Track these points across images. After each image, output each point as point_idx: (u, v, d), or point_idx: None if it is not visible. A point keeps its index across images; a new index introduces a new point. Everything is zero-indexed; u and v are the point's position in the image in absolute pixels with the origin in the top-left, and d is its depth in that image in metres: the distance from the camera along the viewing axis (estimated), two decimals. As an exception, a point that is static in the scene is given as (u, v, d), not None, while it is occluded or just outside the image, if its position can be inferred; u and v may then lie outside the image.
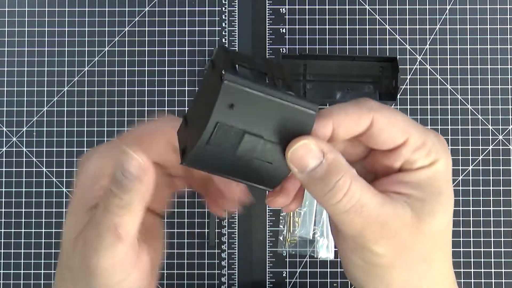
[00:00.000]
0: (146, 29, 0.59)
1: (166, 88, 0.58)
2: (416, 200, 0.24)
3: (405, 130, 0.25)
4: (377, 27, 0.59)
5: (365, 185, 0.24)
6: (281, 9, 0.59)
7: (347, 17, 0.59)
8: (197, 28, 0.59)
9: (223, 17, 0.59)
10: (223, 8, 0.59)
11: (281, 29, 0.59)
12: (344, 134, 0.25)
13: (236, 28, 0.59)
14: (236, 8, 0.59)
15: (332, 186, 0.23)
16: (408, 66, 0.58)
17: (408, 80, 0.58)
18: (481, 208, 0.57)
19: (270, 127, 0.24)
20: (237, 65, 0.24)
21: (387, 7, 0.59)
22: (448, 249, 0.27)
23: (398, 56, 0.57)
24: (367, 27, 0.59)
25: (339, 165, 0.23)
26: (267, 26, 0.59)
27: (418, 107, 0.58)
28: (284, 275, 0.57)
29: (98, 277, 0.24)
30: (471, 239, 0.57)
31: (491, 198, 0.57)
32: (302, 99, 0.25)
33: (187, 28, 0.59)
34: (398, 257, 0.24)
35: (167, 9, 0.59)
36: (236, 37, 0.59)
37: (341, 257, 0.27)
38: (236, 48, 0.59)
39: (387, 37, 0.59)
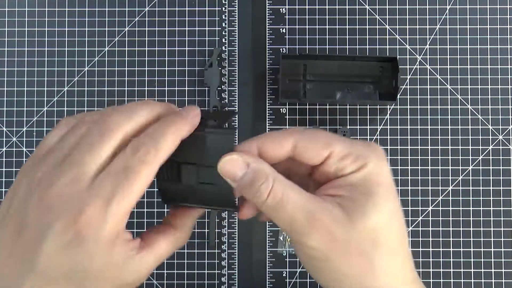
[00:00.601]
0: (146, 29, 0.59)
1: (166, 88, 0.58)
2: (347, 199, 0.27)
3: (327, 145, 0.29)
4: (377, 27, 0.59)
5: (289, 185, 0.28)
6: (281, 9, 0.59)
7: (347, 17, 0.59)
8: (197, 28, 0.59)
9: (223, 17, 0.59)
10: (223, 8, 0.59)
11: (281, 29, 0.59)
12: (273, 155, 0.29)
13: (236, 28, 0.59)
14: (236, 8, 0.59)
15: (257, 189, 0.27)
16: (408, 66, 0.58)
17: (408, 80, 0.58)
18: (481, 208, 0.57)
19: (201, 155, 0.29)
20: None
21: (387, 7, 0.59)
22: (394, 245, 0.28)
23: (398, 56, 0.58)
24: (367, 27, 0.59)
25: (262, 171, 0.28)
26: (267, 26, 0.59)
27: (418, 107, 0.58)
28: (284, 275, 0.57)
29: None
30: (471, 239, 0.57)
31: (491, 198, 0.57)
32: (221, 128, 0.30)
33: (187, 28, 0.59)
34: (333, 250, 0.27)
35: (167, 9, 0.59)
36: (236, 37, 0.59)
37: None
38: (236, 48, 0.59)
39: (387, 37, 0.59)
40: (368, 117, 0.58)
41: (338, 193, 0.28)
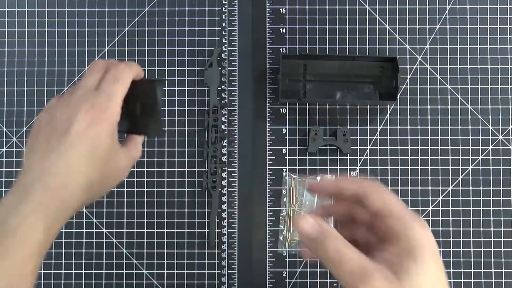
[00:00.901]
0: (146, 29, 0.59)
1: (166, 88, 0.58)
2: (394, 258, 0.32)
3: (390, 206, 0.34)
4: (377, 27, 0.59)
5: (345, 244, 0.33)
6: (281, 9, 0.59)
7: (347, 17, 0.59)
8: (197, 28, 0.59)
9: (223, 17, 0.59)
10: (223, 8, 0.59)
11: (281, 29, 0.59)
12: (348, 192, 0.36)
13: (236, 28, 0.59)
14: (236, 8, 0.59)
15: (319, 245, 0.33)
16: (408, 66, 0.58)
17: (408, 80, 0.58)
18: (481, 208, 0.57)
19: (143, 96, 0.45)
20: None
21: (387, 7, 0.59)
22: None
23: (398, 56, 0.58)
24: (367, 27, 0.59)
25: (327, 231, 0.33)
26: (267, 26, 0.59)
27: (418, 107, 0.58)
28: (284, 275, 0.57)
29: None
30: (471, 239, 0.57)
31: (491, 198, 0.57)
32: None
33: (187, 28, 0.59)
34: None
35: (167, 9, 0.59)
36: (236, 37, 0.59)
37: None
38: (236, 48, 0.59)
39: (387, 37, 0.59)
40: (368, 117, 0.58)
41: (387, 254, 0.33)
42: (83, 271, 0.57)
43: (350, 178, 0.40)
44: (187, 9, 0.59)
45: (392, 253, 0.32)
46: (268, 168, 0.58)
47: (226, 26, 0.59)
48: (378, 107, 0.58)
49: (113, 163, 0.41)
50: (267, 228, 0.57)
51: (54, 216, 0.37)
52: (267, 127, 0.58)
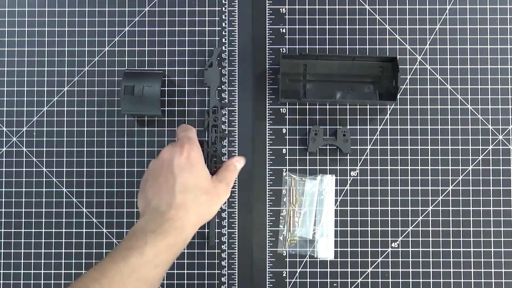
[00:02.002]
0: (146, 29, 0.59)
1: (166, 88, 0.58)
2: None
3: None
4: (377, 27, 0.59)
5: None
6: (281, 9, 0.59)
7: (347, 17, 0.59)
8: (197, 28, 0.59)
9: (223, 17, 0.59)
10: (223, 8, 0.59)
11: (281, 29, 0.59)
12: None
13: (236, 28, 0.59)
14: (236, 8, 0.59)
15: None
16: (408, 66, 0.58)
17: (408, 80, 0.58)
18: (481, 208, 0.57)
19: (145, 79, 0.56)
20: None
21: (387, 7, 0.59)
22: None
23: (398, 56, 0.58)
24: (367, 27, 0.59)
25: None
26: (267, 26, 0.59)
27: (418, 107, 0.58)
28: (284, 275, 0.57)
29: None
30: (471, 239, 0.57)
31: (491, 198, 0.57)
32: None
33: (187, 28, 0.59)
34: None
35: (167, 9, 0.59)
36: (236, 37, 0.59)
37: None
38: (236, 48, 0.59)
39: (387, 37, 0.59)
40: (368, 117, 0.58)
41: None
42: (83, 271, 0.57)
43: None
44: (187, 9, 0.59)
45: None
46: (268, 168, 0.58)
47: (226, 26, 0.59)
48: (378, 107, 0.58)
49: (212, 200, 0.51)
50: (267, 228, 0.57)
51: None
52: (267, 127, 0.58)
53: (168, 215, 0.46)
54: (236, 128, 0.58)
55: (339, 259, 0.57)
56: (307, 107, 0.58)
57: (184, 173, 0.48)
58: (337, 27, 0.59)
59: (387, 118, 0.58)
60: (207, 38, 0.59)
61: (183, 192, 0.48)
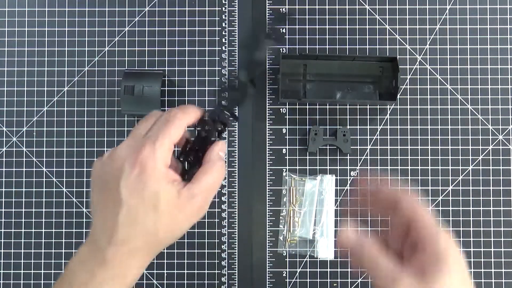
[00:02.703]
0: (146, 29, 0.59)
1: (167, 88, 0.58)
2: (422, 266, 0.35)
3: (419, 215, 0.37)
4: (377, 27, 0.59)
5: (379, 252, 0.37)
6: (281, 9, 0.59)
7: (347, 17, 0.59)
8: (197, 28, 0.59)
9: (223, 17, 0.59)
10: (223, 8, 0.59)
11: (281, 29, 0.59)
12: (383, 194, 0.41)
13: (236, 28, 0.59)
14: (236, 8, 0.59)
15: (357, 253, 0.38)
16: (408, 66, 0.58)
17: (408, 80, 0.58)
18: (481, 208, 0.57)
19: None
20: None
21: (387, 7, 0.59)
22: None
23: (398, 56, 0.58)
24: (367, 27, 0.59)
25: (363, 241, 0.38)
26: (267, 26, 0.59)
27: (418, 107, 0.58)
28: (284, 275, 0.57)
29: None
30: (471, 239, 0.57)
31: (491, 198, 0.57)
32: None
33: (187, 28, 0.59)
34: None
35: (167, 9, 0.59)
36: (236, 37, 0.59)
37: None
38: (236, 48, 0.59)
39: (387, 37, 0.59)
40: (368, 117, 0.58)
41: (418, 265, 0.35)
42: (83, 271, 0.57)
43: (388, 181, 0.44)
44: (187, 9, 0.59)
45: (420, 261, 0.36)
46: (268, 168, 0.58)
47: (226, 26, 0.59)
48: (378, 107, 0.58)
49: (177, 209, 0.39)
50: (267, 228, 0.57)
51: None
52: (267, 127, 0.58)
53: (107, 255, 0.38)
54: (236, 128, 0.58)
55: (339, 259, 0.57)
56: (307, 107, 0.58)
57: (133, 198, 0.37)
58: (337, 27, 0.59)
59: (387, 118, 0.58)
60: (207, 38, 0.59)
61: (128, 225, 0.38)
